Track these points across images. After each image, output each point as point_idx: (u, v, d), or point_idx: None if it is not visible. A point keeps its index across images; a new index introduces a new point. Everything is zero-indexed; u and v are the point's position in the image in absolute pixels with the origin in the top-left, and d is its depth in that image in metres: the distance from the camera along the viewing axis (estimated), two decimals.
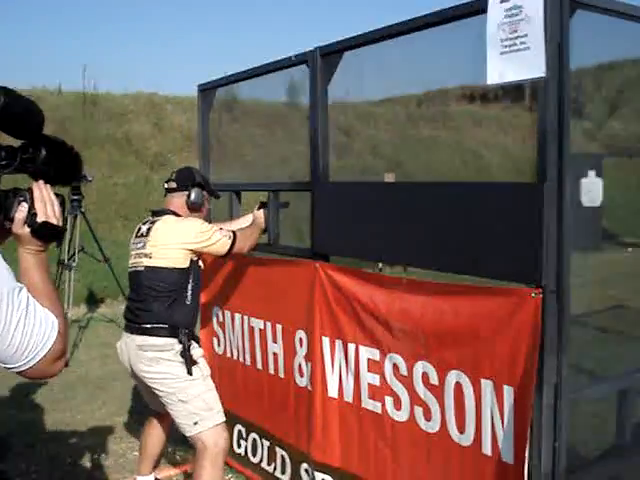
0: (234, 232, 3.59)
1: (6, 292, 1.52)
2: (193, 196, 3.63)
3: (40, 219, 1.71)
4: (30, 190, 1.74)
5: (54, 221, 1.74)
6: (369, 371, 3.17)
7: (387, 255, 3.02)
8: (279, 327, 3.79)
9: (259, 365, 3.99)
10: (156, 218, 3.58)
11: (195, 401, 3.41)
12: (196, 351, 3.48)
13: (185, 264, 3.46)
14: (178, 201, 3.65)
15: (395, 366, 3.02)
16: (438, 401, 2.82)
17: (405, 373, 2.97)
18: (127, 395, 5.72)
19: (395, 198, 2.94)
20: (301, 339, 3.61)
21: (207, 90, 4.42)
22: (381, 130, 16.28)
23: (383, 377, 3.09)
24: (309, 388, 3.54)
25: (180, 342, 3.42)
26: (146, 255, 3.48)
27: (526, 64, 2.37)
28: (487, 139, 18.50)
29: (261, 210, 3.90)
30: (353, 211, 3.19)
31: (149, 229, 3.53)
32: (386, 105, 18.07)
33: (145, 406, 4.00)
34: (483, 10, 2.51)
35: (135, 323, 3.47)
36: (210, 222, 3.77)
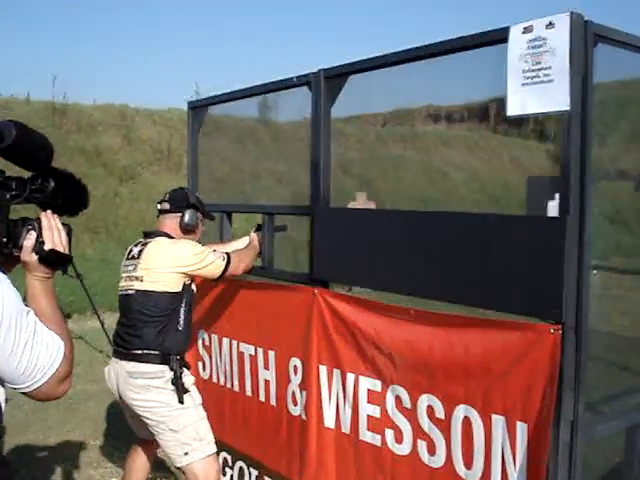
0: (228, 254, 3.50)
1: (15, 315, 1.60)
2: (187, 218, 3.52)
3: (47, 247, 1.78)
4: (38, 219, 1.81)
5: (61, 249, 1.81)
6: (369, 402, 3.09)
7: (393, 284, 2.95)
8: (272, 354, 3.68)
9: (248, 392, 3.88)
10: (148, 240, 3.47)
11: (186, 431, 3.30)
12: (188, 379, 3.37)
13: (178, 288, 3.36)
14: (171, 223, 3.54)
15: (397, 398, 2.94)
16: (444, 435, 2.75)
17: (408, 406, 2.89)
18: (101, 417, 5.56)
19: (403, 226, 2.88)
20: (295, 367, 3.51)
21: (198, 108, 4.32)
22: (351, 148, 16.31)
23: (384, 409, 3.01)
24: (303, 417, 3.44)
25: (171, 369, 3.31)
26: (137, 278, 3.36)
27: (550, 97, 2.34)
28: (454, 159, 18.67)
29: (258, 232, 3.81)
30: (357, 238, 3.12)
31: (140, 251, 3.42)
32: (354, 122, 18.14)
33: (121, 429, 3.87)
34: (503, 39, 2.48)
35: (125, 349, 3.35)
36: (202, 244, 3.67)
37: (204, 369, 4.27)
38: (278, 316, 3.61)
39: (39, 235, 1.78)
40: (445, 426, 2.74)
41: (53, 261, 1.80)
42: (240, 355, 3.92)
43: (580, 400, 2.39)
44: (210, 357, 4.22)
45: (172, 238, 3.48)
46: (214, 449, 3.39)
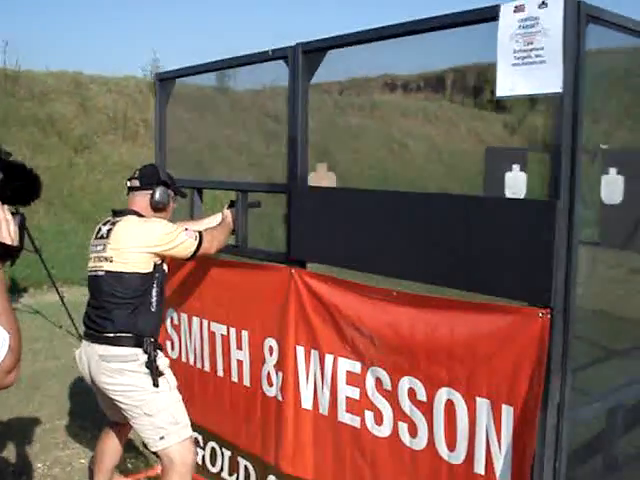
0: (200, 232, 3.40)
1: None
2: (157, 195, 3.40)
3: None
4: None
5: (8, 241, 1.82)
6: (348, 384, 3.05)
7: (376, 266, 2.90)
8: (245, 333, 3.62)
9: (220, 372, 3.82)
10: (117, 218, 3.35)
11: (161, 414, 3.23)
12: (162, 361, 3.29)
13: (148, 268, 3.26)
14: (141, 200, 3.42)
15: (378, 380, 2.91)
16: (426, 418, 2.73)
17: (389, 388, 2.87)
18: (64, 395, 5.44)
19: (386, 207, 2.83)
20: (271, 347, 3.46)
21: (166, 80, 4.17)
22: (310, 117, 16.13)
23: (364, 391, 2.98)
24: (279, 398, 3.40)
25: (145, 352, 3.22)
26: (106, 259, 3.25)
27: (541, 78, 2.29)
28: (412, 129, 18.66)
29: (231, 209, 3.71)
30: (336, 218, 3.05)
31: (109, 230, 3.30)
32: (312, 90, 17.94)
33: (86, 408, 3.78)
34: (493, 18, 2.42)
35: (96, 332, 3.24)
36: (173, 222, 3.56)
37: (172, 348, 4.19)
38: (252, 296, 3.54)
39: None
40: (427, 408, 2.72)
41: (1, 254, 1.81)
42: (211, 335, 3.85)
43: (567, 383, 2.40)
44: (179, 336, 4.14)
45: (142, 217, 3.37)
46: (190, 432, 3.33)
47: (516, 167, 12.77)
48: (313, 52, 3.16)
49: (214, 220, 3.73)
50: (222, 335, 3.76)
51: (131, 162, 12.40)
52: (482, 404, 2.53)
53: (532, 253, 2.33)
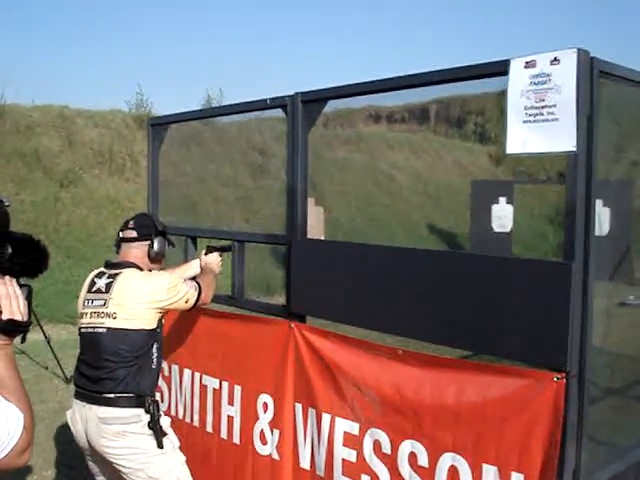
0: (197, 282, 3.30)
1: None
2: (157, 246, 3.30)
3: (5, 317, 1.77)
4: None
5: (19, 317, 1.80)
6: (345, 445, 2.93)
7: (380, 323, 2.81)
8: (238, 388, 3.49)
9: (209, 427, 3.68)
10: (115, 271, 3.22)
11: (166, 477, 3.09)
12: (164, 420, 3.16)
13: (153, 324, 3.13)
14: (138, 252, 3.30)
15: (377, 443, 2.79)
16: None
17: (388, 451, 2.75)
18: (51, 443, 5.25)
19: (394, 263, 2.74)
20: (265, 403, 3.34)
21: (159, 125, 4.09)
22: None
23: (361, 453, 2.86)
24: (275, 457, 3.27)
25: (147, 412, 3.08)
26: (108, 315, 3.10)
27: (554, 136, 2.23)
28: (398, 161, 18.69)
29: (210, 255, 3.62)
30: (338, 271, 2.97)
31: (109, 284, 3.17)
32: None
33: (74, 457, 3.60)
34: (502, 72, 2.36)
35: (94, 392, 3.09)
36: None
37: (162, 401, 4.02)
38: (247, 349, 3.43)
39: None
40: (428, 475, 2.60)
41: (11, 330, 1.79)
42: (203, 388, 3.72)
43: (583, 449, 2.31)
44: (169, 388, 4.00)
45: (141, 269, 3.25)
46: None
47: (502, 199, 12.70)
48: (312, 102, 3.09)
49: (192, 267, 3.65)
50: (214, 389, 3.64)
51: (117, 196, 12.31)
52: (489, 471, 2.43)
53: (547, 315, 2.25)
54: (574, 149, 2.20)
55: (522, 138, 2.31)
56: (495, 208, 11.30)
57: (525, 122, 2.30)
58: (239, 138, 15.29)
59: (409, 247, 2.80)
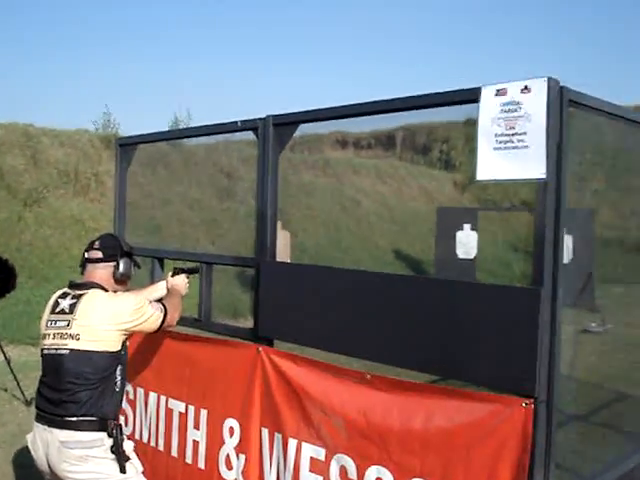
0: (163, 304, 3.25)
1: None
2: (122, 268, 3.23)
3: None
4: None
5: None
6: (311, 471, 2.90)
7: (348, 347, 2.79)
8: (204, 412, 3.44)
9: (174, 452, 3.61)
10: (79, 292, 3.15)
11: None
12: (127, 445, 3.08)
13: (117, 346, 3.05)
14: (103, 272, 3.23)
15: (342, 468, 2.77)
16: None
17: (354, 477, 2.72)
18: (9, 467, 5.11)
19: (362, 287, 2.74)
20: (232, 428, 3.29)
21: (127, 145, 4.06)
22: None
23: (327, 479, 2.84)
24: None
25: (110, 436, 3.01)
26: (72, 336, 3.02)
27: (524, 164, 2.26)
28: (365, 187, 18.80)
29: (176, 277, 3.59)
30: (306, 295, 2.95)
31: (73, 305, 3.10)
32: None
33: None
34: (473, 100, 2.39)
35: (56, 415, 3.01)
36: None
37: (126, 424, 3.95)
38: (214, 373, 3.38)
39: None
40: None
41: None
42: (169, 412, 3.66)
43: (550, 474, 2.31)
44: (134, 412, 3.93)
45: (105, 290, 3.19)
46: None
47: (467, 226, 12.84)
48: (284, 125, 3.09)
49: (158, 289, 3.60)
50: (180, 413, 3.58)
51: (81, 217, 12.15)
52: None
53: (515, 341, 2.26)
54: (544, 176, 2.23)
55: (492, 165, 2.33)
56: (460, 235, 11.39)
57: (495, 149, 2.33)
58: (206, 160, 15.26)
59: (378, 271, 2.80)
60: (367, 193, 18.30)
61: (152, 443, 3.78)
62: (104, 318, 3.02)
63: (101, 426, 3.00)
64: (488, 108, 2.35)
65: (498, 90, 2.33)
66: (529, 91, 2.26)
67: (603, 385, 6.24)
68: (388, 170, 19.98)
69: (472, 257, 11.72)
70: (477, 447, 2.38)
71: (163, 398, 3.69)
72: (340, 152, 26.14)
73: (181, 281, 3.59)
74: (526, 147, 2.25)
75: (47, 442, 3.01)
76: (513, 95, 2.29)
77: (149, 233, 11.46)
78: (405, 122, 24.13)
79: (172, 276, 3.61)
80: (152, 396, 3.77)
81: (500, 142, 2.31)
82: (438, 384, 2.72)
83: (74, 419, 2.97)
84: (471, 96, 2.39)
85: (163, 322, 3.20)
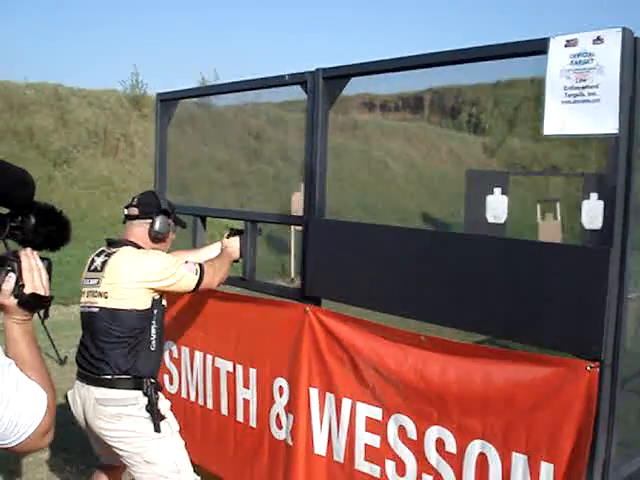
0: (201, 265, 3.15)
1: None
2: (158, 225, 3.15)
3: (28, 291, 1.69)
4: (17, 258, 1.70)
5: (42, 292, 1.72)
6: (367, 431, 2.88)
7: (402, 307, 2.74)
8: (253, 372, 3.42)
9: (224, 410, 3.61)
10: (112, 249, 3.11)
11: (164, 462, 3.00)
12: (163, 404, 3.07)
13: (147, 305, 3.01)
14: (139, 230, 3.17)
15: (401, 428, 2.74)
16: (454, 471, 2.57)
17: (414, 437, 2.70)
18: None
19: (419, 246, 2.68)
20: (281, 387, 3.27)
21: (168, 101, 3.99)
22: (292, 136, 16.02)
23: (385, 439, 2.81)
24: (289, 442, 3.21)
25: (145, 395, 3.00)
26: (101, 294, 3.00)
27: (595, 118, 2.16)
28: (393, 149, 18.62)
29: (232, 238, 3.49)
30: (360, 254, 2.89)
31: (104, 263, 3.05)
32: (293, 108, 17.84)
33: (71, 438, 3.49)
34: (541, 51, 2.29)
35: (92, 373, 3.00)
36: (170, 251, 3.33)
37: (171, 383, 3.97)
38: (262, 332, 3.36)
39: (19, 277, 1.69)
40: (456, 461, 2.56)
41: (34, 305, 1.71)
42: (215, 371, 3.65)
43: (613, 439, 2.26)
44: (179, 371, 3.92)
45: (140, 248, 3.15)
46: None
47: (497, 190, 12.66)
48: (335, 78, 3.00)
49: (213, 250, 3.51)
50: (228, 372, 3.57)
51: (110, 177, 12.15)
52: (518, 460, 2.39)
53: (581, 302, 2.19)
54: (616, 131, 2.13)
55: (560, 119, 2.24)
56: (490, 199, 11.23)
57: (564, 102, 2.23)
58: (234, 122, 15.16)
59: (439, 230, 2.73)
60: (395, 156, 18.13)
61: (200, 402, 3.78)
62: (130, 275, 2.98)
63: (136, 384, 2.99)
64: (557, 60, 2.24)
65: (568, 41, 2.22)
66: (602, 42, 2.15)
67: None
68: (417, 133, 19.78)
69: (502, 221, 11.58)
70: (539, 410, 2.33)
71: (209, 357, 3.68)
72: (367, 115, 25.86)
73: (235, 244, 3.49)
74: (598, 101, 2.16)
75: (84, 399, 3.02)
76: (584, 46, 2.18)
77: (178, 194, 11.43)
78: (432, 85, 23.82)
79: (227, 237, 3.53)
80: (198, 355, 3.76)
81: (569, 95, 2.21)
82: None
83: (109, 377, 2.98)
84: (538, 47, 2.29)
85: (199, 284, 3.10)
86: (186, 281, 3.07)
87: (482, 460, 2.48)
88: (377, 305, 2.85)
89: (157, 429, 2.99)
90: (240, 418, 3.52)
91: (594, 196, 10.01)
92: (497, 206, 12.03)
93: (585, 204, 10.68)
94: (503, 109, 22.87)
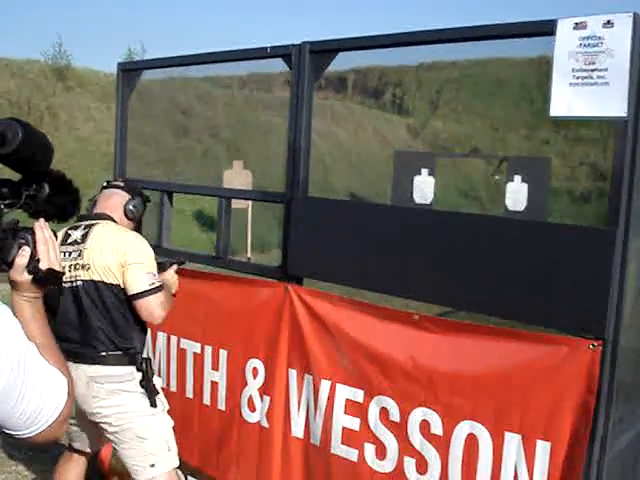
0: (161, 286, 3.01)
1: (18, 356, 1.40)
2: (135, 202, 3.12)
3: (44, 265, 1.55)
4: (31, 230, 1.56)
5: (57, 266, 1.59)
6: (346, 413, 2.84)
7: (390, 285, 2.71)
8: (223, 353, 3.34)
9: (189, 393, 3.51)
10: (91, 222, 3.00)
11: (156, 439, 2.94)
12: (157, 380, 3.04)
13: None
14: (117, 200, 3.09)
15: (383, 410, 2.71)
16: (439, 453, 2.55)
17: (397, 419, 2.67)
18: None
19: (410, 224, 2.66)
20: (255, 369, 3.20)
21: (130, 71, 3.81)
22: (220, 112, 15.76)
23: (365, 421, 2.78)
24: (264, 424, 3.15)
25: (139, 370, 2.94)
26: (83, 266, 2.90)
27: (603, 101, 2.18)
28: (320, 128, 18.57)
29: (166, 272, 3.23)
30: (345, 232, 2.84)
31: (85, 234, 2.95)
32: (219, 84, 17.52)
33: None
34: (548, 33, 2.29)
35: (82, 350, 2.90)
36: None
37: None
38: (235, 313, 3.26)
39: (33, 251, 1.54)
40: (442, 443, 2.54)
41: (49, 281, 1.58)
42: (181, 352, 3.54)
43: (612, 417, 2.30)
44: None
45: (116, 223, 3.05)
46: (177, 461, 3.04)
47: (425, 171, 12.92)
48: (322, 52, 2.93)
49: None
50: (194, 353, 3.47)
51: None
52: (512, 439, 2.39)
53: (586, 282, 2.22)
54: (624, 115, 2.16)
55: (568, 101, 2.25)
56: (417, 179, 11.42)
57: (572, 84, 2.24)
58: (161, 96, 14.77)
59: (429, 208, 2.72)
60: (322, 134, 18.09)
61: (163, 384, 3.67)
62: (112, 249, 2.90)
63: (129, 360, 2.94)
64: (565, 42, 2.25)
65: (577, 24, 2.22)
66: (612, 26, 2.16)
67: None
68: (343, 112, 19.78)
69: (429, 202, 11.81)
70: (535, 389, 2.34)
71: (174, 338, 3.57)
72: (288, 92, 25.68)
73: (170, 277, 3.27)
74: (606, 84, 2.17)
75: (75, 379, 2.87)
76: (594, 29, 2.19)
77: (104, 170, 11.10)
78: (356, 64, 23.88)
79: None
80: (161, 335, 3.64)
81: (578, 77, 2.22)
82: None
83: (103, 354, 2.90)
84: (545, 28, 2.28)
85: (145, 295, 2.91)
86: (140, 282, 2.90)
87: (471, 441, 2.47)
88: (364, 283, 2.82)
89: (153, 404, 2.95)
90: (207, 401, 3.43)
91: (518, 178, 10.32)
92: (424, 187, 12.30)
93: (509, 186, 11.02)
94: (424, 92, 23.16)
